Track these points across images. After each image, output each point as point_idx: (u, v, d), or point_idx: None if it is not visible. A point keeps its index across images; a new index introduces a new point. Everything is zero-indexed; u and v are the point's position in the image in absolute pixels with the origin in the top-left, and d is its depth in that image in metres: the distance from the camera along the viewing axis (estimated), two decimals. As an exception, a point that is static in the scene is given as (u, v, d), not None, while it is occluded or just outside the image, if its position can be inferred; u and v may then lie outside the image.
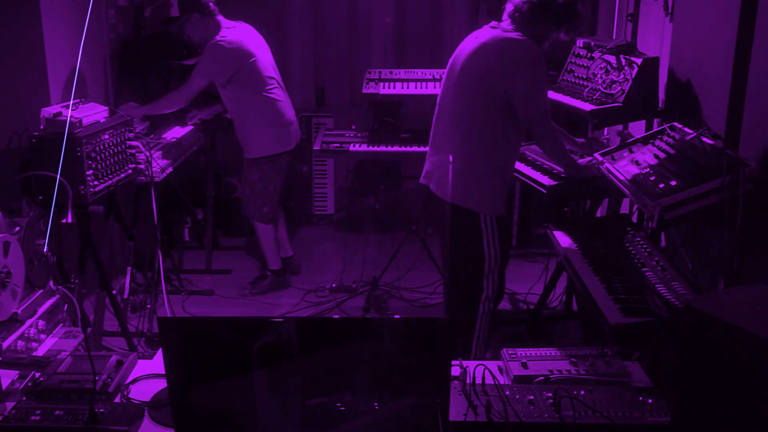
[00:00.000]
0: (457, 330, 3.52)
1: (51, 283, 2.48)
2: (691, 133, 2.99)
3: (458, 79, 3.19)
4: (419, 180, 3.47)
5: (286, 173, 4.65)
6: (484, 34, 3.16)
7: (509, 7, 3.11)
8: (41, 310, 2.39)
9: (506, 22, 3.12)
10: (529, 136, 3.47)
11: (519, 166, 3.60)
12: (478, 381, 2.06)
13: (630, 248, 2.97)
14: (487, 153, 3.17)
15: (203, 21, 4.31)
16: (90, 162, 3.11)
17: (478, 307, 3.31)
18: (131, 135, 3.49)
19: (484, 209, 3.20)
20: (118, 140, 3.36)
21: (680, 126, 3.11)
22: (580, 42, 3.93)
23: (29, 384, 2.10)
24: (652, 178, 2.82)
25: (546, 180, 3.45)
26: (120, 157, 3.38)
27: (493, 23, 3.18)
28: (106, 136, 3.26)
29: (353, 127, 4.76)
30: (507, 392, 2.02)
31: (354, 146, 4.51)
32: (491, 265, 3.25)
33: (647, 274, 2.73)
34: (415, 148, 4.47)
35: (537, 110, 3.07)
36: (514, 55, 3.04)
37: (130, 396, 2.10)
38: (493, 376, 2.09)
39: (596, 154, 3.27)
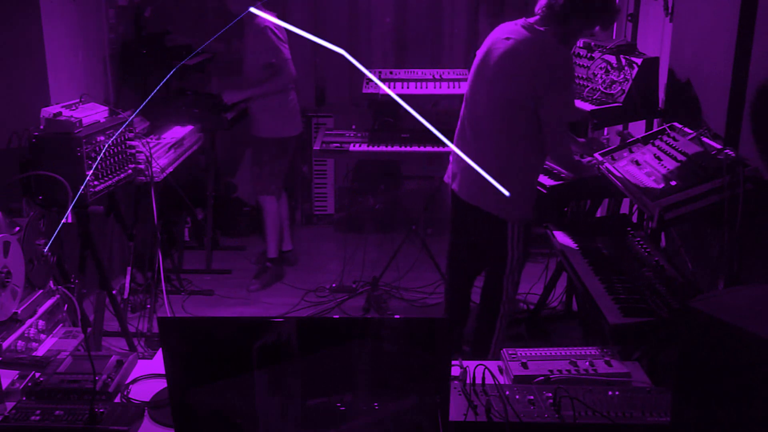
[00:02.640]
0: (472, 330, 3.54)
1: (51, 283, 2.48)
2: (691, 133, 2.99)
3: (492, 81, 3.10)
4: (443, 178, 3.47)
5: (291, 155, 4.90)
6: (516, 33, 3.05)
7: (542, 1, 3.01)
8: (41, 310, 2.39)
9: (536, 18, 3.03)
10: None
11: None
12: (478, 381, 2.06)
13: (630, 248, 2.97)
14: (520, 161, 3.13)
15: None
16: (90, 162, 3.11)
17: (498, 309, 3.33)
18: (131, 135, 3.50)
19: (512, 217, 3.18)
20: (118, 140, 3.36)
21: (680, 126, 3.11)
22: (580, 42, 3.92)
23: (29, 384, 2.10)
24: (652, 178, 2.82)
25: (546, 180, 3.45)
26: (120, 157, 3.38)
27: (522, 21, 3.07)
28: (106, 136, 3.26)
29: (353, 127, 4.76)
30: (507, 392, 2.02)
31: (354, 146, 4.51)
32: (512, 266, 3.26)
33: (647, 274, 2.73)
34: (415, 148, 4.47)
35: (558, 118, 3.05)
36: (547, 60, 2.98)
37: (130, 396, 2.10)
38: (493, 376, 2.09)
39: (596, 154, 3.27)
